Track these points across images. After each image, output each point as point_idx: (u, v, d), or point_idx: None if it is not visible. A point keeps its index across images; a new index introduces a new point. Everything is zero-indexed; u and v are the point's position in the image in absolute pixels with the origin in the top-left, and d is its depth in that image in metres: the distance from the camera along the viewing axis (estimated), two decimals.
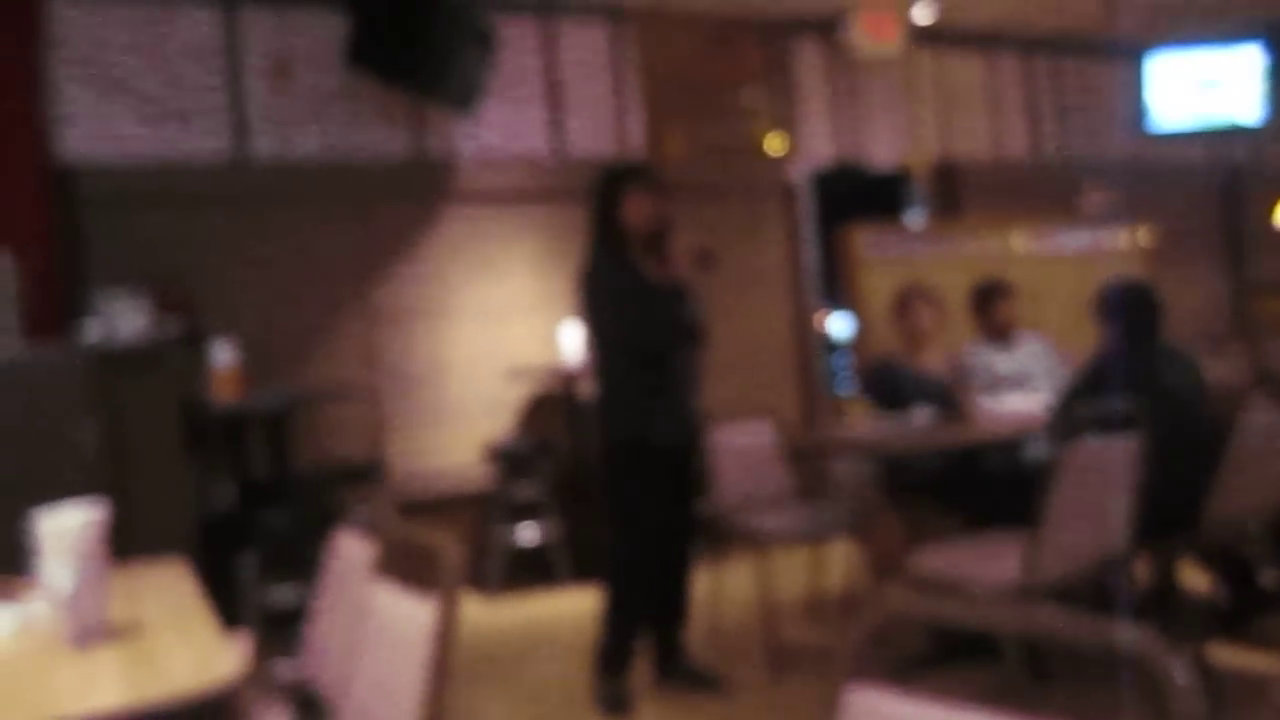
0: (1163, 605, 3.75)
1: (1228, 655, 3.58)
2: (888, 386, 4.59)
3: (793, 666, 3.95)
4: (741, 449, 4.50)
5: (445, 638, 1.65)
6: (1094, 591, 3.26)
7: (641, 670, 3.77)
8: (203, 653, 1.69)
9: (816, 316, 6.89)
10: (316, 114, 5.56)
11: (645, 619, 3.73)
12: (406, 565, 1.93)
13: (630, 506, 3.63)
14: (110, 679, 1.60)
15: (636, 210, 3.64)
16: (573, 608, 5.04)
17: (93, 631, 1.79)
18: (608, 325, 3.65)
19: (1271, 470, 3.58)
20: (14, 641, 1.85)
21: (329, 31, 5.48)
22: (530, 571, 5.57)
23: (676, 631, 3.80)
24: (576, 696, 3.78)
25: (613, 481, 3.68)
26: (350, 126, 5.63)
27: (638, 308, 3.61)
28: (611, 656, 3.65)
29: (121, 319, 4.08)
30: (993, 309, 4.92)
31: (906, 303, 4.71)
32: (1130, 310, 3.65)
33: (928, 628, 3.59)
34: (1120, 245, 7.46)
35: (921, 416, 4.26)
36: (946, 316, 4.77)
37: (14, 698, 1.52)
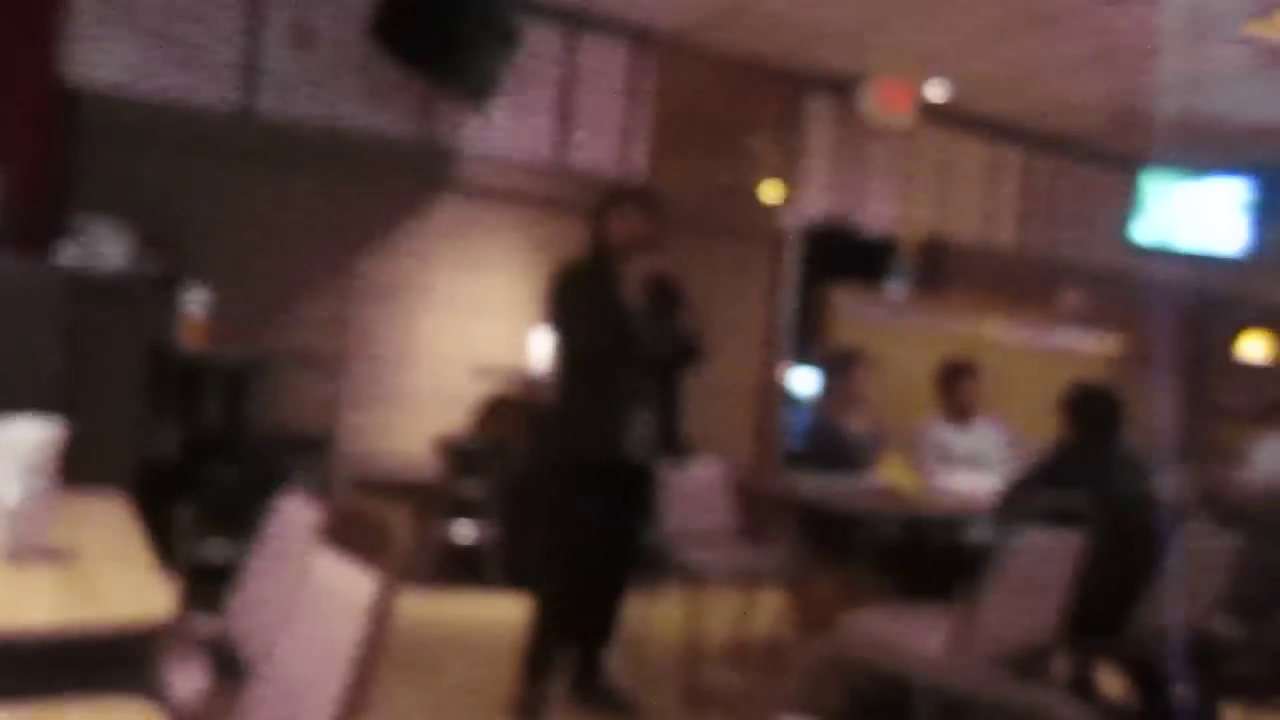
0: (1077, 701, 3.79)
1: None
2: (826, 445, 4.66)
3: (709, 705, 3.96)
4: (689, 482, 4.52)
5: (384, 612, 1.65)
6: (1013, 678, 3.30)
7: (561, 683, 3.76)
8: (140, 586, 1.68)
9: (780, 368, 6.94)
10: (330, 82, 5.55)
11: (571, 632, 3.73)
12: (351, 537, 1.92)
13: (570, 518, 3.63)
14: (45, 597, 1.58)
15: (622, 227, 3.70)
16: (497, 611, 5.02)
17: (32, 548, 1.77)
18: (570, 326, 3.67)
19: (1202, 590, 3.66)
20: None
21: (355, 1, 5.49)
22: (460, 570, 5.54)
23: (600, 650, 3.80)
24: (491, 699, 3.77)
25: (557, 491, 3.69)
26: (361, 100, 5.63)
27: (602, 316, 3.63)
28: (533, 664, 3.64)
29: (102, 247, 4.04)
30: (957, 388, 5.00)
31: (849, 365, 4.80)
32: (1094, 411, 3.73)
33: (847, 688, 3.61)
34: (1090, 348, 7.60)
35: (865, 479, 4.31)
36: (877, 384, 4.91)
37: None
